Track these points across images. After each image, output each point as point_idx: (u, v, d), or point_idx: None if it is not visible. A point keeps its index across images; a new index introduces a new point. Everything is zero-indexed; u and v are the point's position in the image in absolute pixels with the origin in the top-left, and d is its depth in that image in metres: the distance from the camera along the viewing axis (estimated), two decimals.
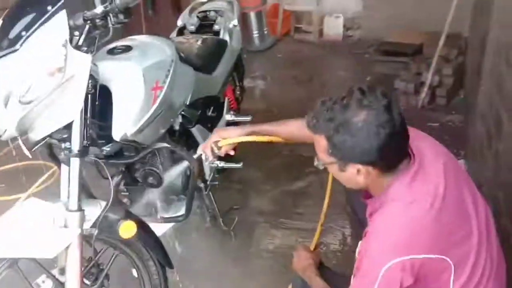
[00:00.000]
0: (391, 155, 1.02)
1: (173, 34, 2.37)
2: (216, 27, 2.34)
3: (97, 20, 1.21)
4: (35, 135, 1.22)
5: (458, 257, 1.03)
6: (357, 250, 1.10)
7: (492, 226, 1.14)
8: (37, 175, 2.56)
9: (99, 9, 1.18)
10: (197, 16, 2.43)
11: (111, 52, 1.49)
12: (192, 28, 2.36)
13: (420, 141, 1.11)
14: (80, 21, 1.19)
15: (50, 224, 1.23)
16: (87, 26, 1.22)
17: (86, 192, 1.60)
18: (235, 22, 2.37)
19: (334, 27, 5.29)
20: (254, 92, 4.13)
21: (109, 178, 1.36)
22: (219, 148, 1.46)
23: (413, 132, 1.07)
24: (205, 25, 2.40)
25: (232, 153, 1.52)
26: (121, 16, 1.21)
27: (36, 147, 1.25)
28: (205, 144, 1.52)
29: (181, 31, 2.39)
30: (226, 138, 1.47)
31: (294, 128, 1.47)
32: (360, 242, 1.11)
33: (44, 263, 1.30)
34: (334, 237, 2.15)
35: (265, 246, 2.12)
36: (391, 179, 1.05)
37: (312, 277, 1.31)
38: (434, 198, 1.02)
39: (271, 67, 4.74)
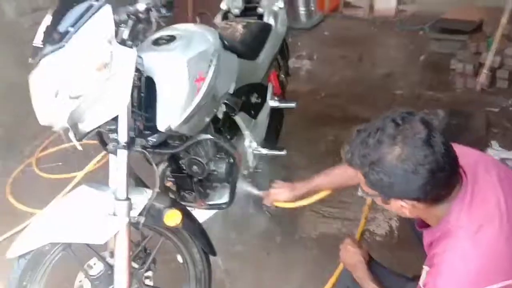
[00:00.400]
0: (437, 190, 0.94)
1: (218, 18, 2.35)
2: (260, 9, 2.29)
3: (141, 15, 1.22)
4: (84, 127, 1.26)
5: None
6: (421, 281, 1.04)
7: None
8: (92, 153, 2.69)
9: (141, 5, 1.19)
10: None
11: (156, 42, 1.50)
12: (237, 11, 2.33)
13: (467, 157, 1.03)
14: (124, 16, 1.20)
15: (100, 212, 1.29)
16: (131, 21, 1.23)
17: (135, 179, 1.67)
18: (280, 4, 2.30)
19: (386, 2, 5.03)
20: (300, 73, 4.06)
21: (155, 168, 1.39)
22: (276, 206, 1.67)
23: (456, 148, 0.98)
24: (249, 7, 2.35)
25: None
26: (163, 10, 1.21)
27: (85, 137, 1.30)
28: (265, 198, 1.66)
29: (226, 15, 2.36)
30: (280, 201, 1.62)
31: (341, 178, 1.46)
32: (424, 271, 1.05)
33: (95, 246, 1.38)
34: (379, 227, 2.10)
35: (308, 234, 2.11)
36: (446, 208, 0.98)
37: (364, 279, 1.28)
38: (500, 217, 0.95)
39: (318, 46, 4.61)
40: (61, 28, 1.22)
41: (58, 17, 1.24)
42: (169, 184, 1.81)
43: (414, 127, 0.91)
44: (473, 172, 1.01)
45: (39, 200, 2.37)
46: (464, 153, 1.04)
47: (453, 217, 0.98)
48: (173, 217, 1.37)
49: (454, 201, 0.98)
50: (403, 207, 0.98)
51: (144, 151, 1.38)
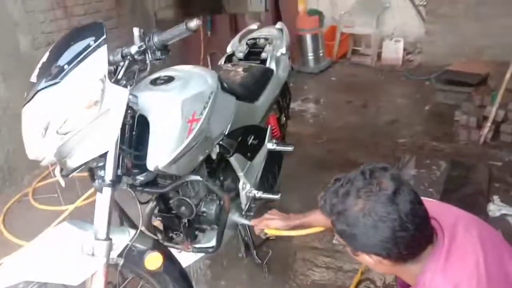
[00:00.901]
0: (399, 249, 0.91)
1: (222, 61, 2.39)
2: (263, 54, 2.33)
3: (136, 56, 1.24)
4: (72, 162, 1.26)
5: None
6: None
7: None
8: (89, 186, 2.68)
9: (133, 48, 1.22)
10: (247, 43, 2.45)
11: (154, 82, 1.52)
12: (241, 55, 2.38)
13: (447, 215, 1.02)
14: (118, 57, 1.23)
15: (79, 251, 1.25)
16: (127, 61, 1.26)
17: (122, 217, 1.64)
18: (283, 50, 2.35)
19: (393, 51, 5.13)
20: (305, 116, 4.09)
21: (139, 208, 1.37)
22: (265, 234, 1.67)
23: (436, 205, 0.98)
24: (253, 52, 2.40)
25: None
26: (158, 53, 1.24)
27: (72, 173, 1.30)
28: (256, 225, 1.66)
29: (230, 58, 2.41)
30: (271, 228, 1.61)
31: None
32: None
33: (72, 286, 1.33)
34: (374, 280, 2.01)
35: (299, 284, 2.03)
36: (421, 266, 0.95)
37: None
38: (478, 277, 0.90)
39: (324, 90, 4.68)
40: (55, 67, 1.24)
41: (55, 55, 1.27)
42: (156, 223, 1.78)
43: (382, 183, 0.90)
44: (451, 230, 0.98)
45: (31, 232, 2.35)
46: (445, 211, 1.02)
47: (428, 277, 0.93)
48: (154, 260, 1.33)
49: (428, 260, 0.94)
50: (370, 262, 0.96)
51: (130, 190, 1.36)
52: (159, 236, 1.72)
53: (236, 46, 2.44)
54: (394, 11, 5.23)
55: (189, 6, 5.14)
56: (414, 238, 0.90)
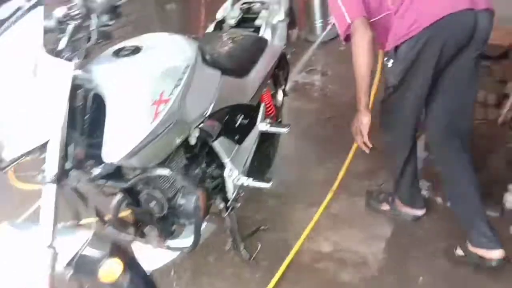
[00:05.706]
0: None
1: (210, 28, 2.11)
2: (258, 21, 2.04)
3: (79, 21, 0.98)
4: (7, 154, 1.04)
5: None
6: None
7: None
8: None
9: (61, 9, 0.96)
10: (240, 8, 2.16)
11: (117, 54, 1.26)
12: (232, 21, 2.09)
13: None
14: (52, 23, 0.97)
15: (19, 259, 1.05)
16: (70, 29, 1.00)
17: (86, 209, 1.43)
18: (281, 16, 2.05)
19: None
20: (310, 89, 3.81)
21: (95, 210, 1.15)
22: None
23: None
24: (247, 18, 2.11)
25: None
26: (104, 18, 0.98)
27: (8, 167, 1.07)
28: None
29: (220, 25, 2.13)
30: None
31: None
32: None
33: None
34: None
35: (292, 282, 1.82)
36: None
37: None
38: None
39: (332, 61, 4.35)
40: None
41: None
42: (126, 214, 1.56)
43: None
44: None
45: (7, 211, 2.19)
46: None
47: None
48: (111, 269, 1.12)
49: None
50: None
51: (76, 188, 1.14)
52: (129, 232, 1.51)
53: (228, 11, 2.15)
54: None
55: None
56: None
